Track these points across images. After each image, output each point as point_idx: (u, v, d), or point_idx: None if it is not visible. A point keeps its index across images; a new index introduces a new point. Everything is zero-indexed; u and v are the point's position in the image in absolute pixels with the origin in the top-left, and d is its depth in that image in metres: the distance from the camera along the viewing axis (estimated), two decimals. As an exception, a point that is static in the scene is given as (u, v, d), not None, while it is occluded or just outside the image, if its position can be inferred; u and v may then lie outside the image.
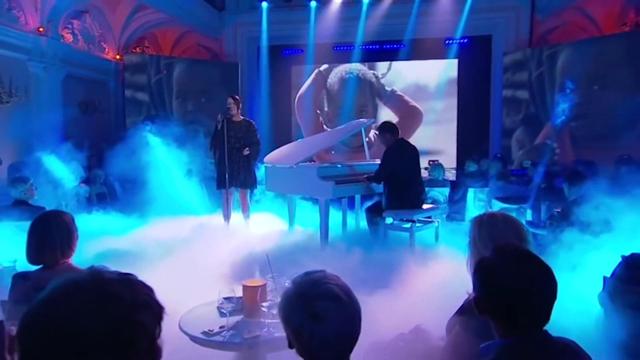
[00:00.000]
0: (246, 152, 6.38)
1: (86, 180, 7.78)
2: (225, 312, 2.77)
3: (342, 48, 11.58)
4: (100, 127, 9.95)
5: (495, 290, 1.50)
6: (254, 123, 6.71)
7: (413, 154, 5.70)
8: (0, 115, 7.44)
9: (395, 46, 11.32)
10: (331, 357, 1.37)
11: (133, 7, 10.07)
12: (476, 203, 6.84)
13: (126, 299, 0.96)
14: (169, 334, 2.73)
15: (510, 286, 1.47)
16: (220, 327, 2.71)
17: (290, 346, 1.45)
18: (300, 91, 12.17)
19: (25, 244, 2.57)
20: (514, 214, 5.71)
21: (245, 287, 2.87)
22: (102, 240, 5.34)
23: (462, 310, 2.09)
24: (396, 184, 5.48)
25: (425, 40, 11.06)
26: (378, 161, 5.95)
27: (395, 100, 11.69)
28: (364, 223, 6.12)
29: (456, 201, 7.00)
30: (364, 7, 10.79)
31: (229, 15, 11.73)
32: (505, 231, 2.10)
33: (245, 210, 6.75)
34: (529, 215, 5.89)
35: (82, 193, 7.17)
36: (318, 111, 12.08)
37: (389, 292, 3.59)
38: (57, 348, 0.90)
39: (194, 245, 5.23)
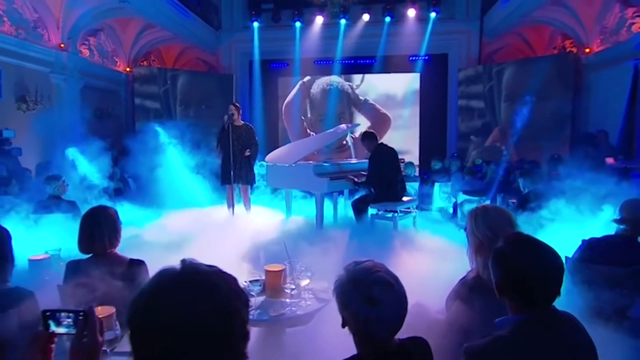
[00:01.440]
0: (247, 153, 6.35)
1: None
2: (253, 293, 2.72)
3: (322, 62, 11.57)
4: (112, 130, 9.80)
5: (511, 274, 1.49)
6: (253, 127, 6.66)
7: (393, 155, 5.73)
8: (28, 120, 7.33)
9: (368, 61, 11.37)
10: (384, 335, 1.35)
11: (142, 26, 9.92)
12: (441, 195, 6.93)
13: (223, 288, 0.95)
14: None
15: (524, 269, 1.46)
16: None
17: (344, 325, 1.41)
18: (287, 100, 12.10)
19: (77, 236, 2.52)
20: (474, 204, 5.95)
21: (268, 272, 2.78)
22: (127, 230, 5.28)
23: (461, 287, 2.05)
24: (381, 181, 5.47)
25: (393, 56, 11.12)
26: (362, 160, 5.98)
27: (368, 108, 11.73)
28: (352, 213, 5.99)
29: (425, 194, 7.06)
30: (342, 28, 10.81)
31: (224, 33, 11.62)
32: (499, 219, 2.07)
33: (247, 203, 6.71)
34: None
35: (110, 187, 6.91)
36: (302, 117, 12.02)
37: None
38: (167, 334, 0.88)
39: (208, 233, 5.12)
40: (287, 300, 2.66)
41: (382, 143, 5.83)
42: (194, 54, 12.00)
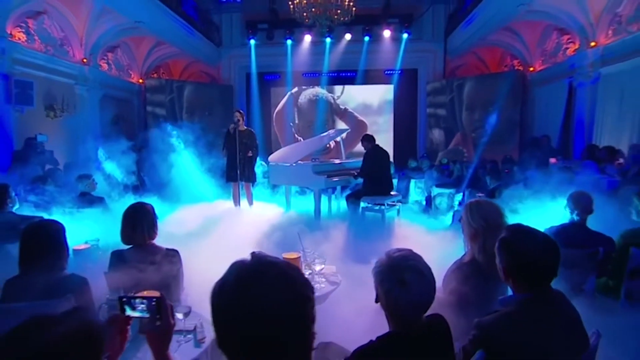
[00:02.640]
0: (250, 154, 6.30)
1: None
2: None
3: (310, 75, 11.52)
4: (127, 134, 9.62)
5: (517, 259, 1.47)
6: (254, 132, 6.61)
7: (385, 155, 5.75)
8: (56, 126, 7.24)
9: (350, 74, 11.34)
10: (412, 313, 1.34)
11: (153, 43, 9.80)
12: (416, 190, 6.97)
13: (297, 278, 0.93)
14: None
15: (529, 254, 1.44)
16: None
17: (376, 301, 1.41)
18: (278, 108, 11.99)
19: (120, 229, 2.48)
20: (446, 198, 6.07)
21: (286, 259, 2.53)
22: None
23: (458, 269, 2.02)
24: (373, 177, 5.47)
25: (372, 70, 11.13)
26: (355, 159, 5.94)
27: (348, 116, 11.69)
28: (344, 207, 6.05)
29: (402, 188, 7.09)
30: (327, 45, 10.81)
31: (225, 49, 11.50)
32: (490, 210, 2.05)
33: (250, 198, 6.68)
34: (459, 197, 5.92)
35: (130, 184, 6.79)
36: (291, 124, 11.92)
37: (377, 255, 3.43)
38: (254, 322, 0.84)
39: (221, 225, 5.13)
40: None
41: (377, 145, 5.81)
42: (198, 67, 11.85)
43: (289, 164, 5.83)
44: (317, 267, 2.67)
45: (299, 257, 2.71)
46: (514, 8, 7.64)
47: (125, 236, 2.48)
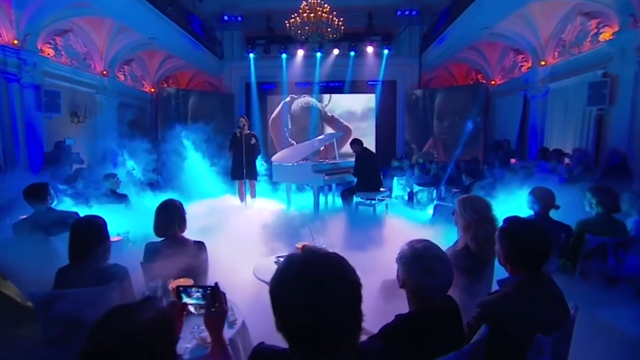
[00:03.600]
0: (253, 141, 6.17)
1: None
2: None
3: (302, 85, 11.48)
4: (141, 137, 9.47)
5: (516, 246, 1.48)
6: (256, 134, 6.56)
7: (373, 156, 5.73)
8: (79, 130, 7.15)
9: (337, 84, 11.33)
10: (438, 296, 1.34)
11: (164, 57, 9.69)
12: (398, 186, 7.01)
13: (349, 266, 0.92)
14: (249, 277, 2.70)
15: (528, 241, 1.45)
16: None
17: (402, 286, 1.38)
18: (273, 115, 11.90)
19: (153, 223, 2.44)
20: (426, 193, 6.18)
21: (298, 249, 2.51)
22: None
23: (452, 255, 1.88)
24: (365, 176, 5.46)
25: (357, 81, 11.11)
26: (347, 160, 5.92)
27: (334, 122, 11.65)
28: (338, 202, 6.01)
29: (386, 185, 7.02)
30: (318, 59, 10.80)
31: (226, 62, 11.38)
32: (481, 204, 2.07)
33: (253, 193, 6.62)
34: (434, 194, 5.98)
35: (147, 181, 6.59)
36: (285, 129, 11.83)
37: (372, 244, 3.41)
38: (319, 306, 0.83)
39: (231, 218, 5.00)
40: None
41: (366, 147, 5.77)
42: (203, 78, 11.72)
43: (290, 164, 5.79)
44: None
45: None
46: (478, 31, 7.84)
47: (159, 229, 2.43)
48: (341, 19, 7.62)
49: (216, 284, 1.35)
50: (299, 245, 2.68)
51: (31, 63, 5.94)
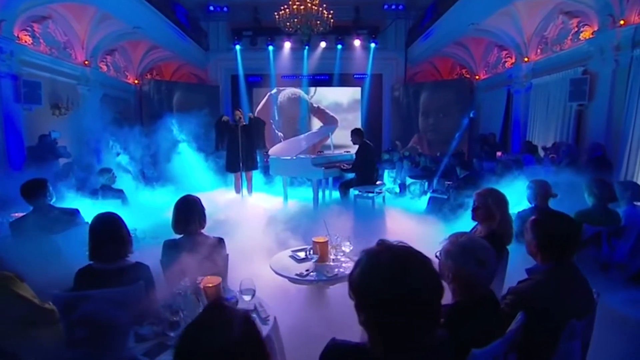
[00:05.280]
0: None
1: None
2: (305, 257, 2.55)
3: (289, 77, 11.36)
4: (126, 130, 9.14)
5: (549, 235, 1.53)
6: (263, 121, 6.43)
7: (372, 150, 5.61)
8: (62, 123, 6.78)
9: (324, 77, 11.28)
10: (487, 285, 1.36)
11: (148, 47, 9.29)
12: (389, 179, 7.09)
13: (422, 254, 0.94)
14: (265, 272, 2.70)
15: (560, 231, 1.52)
16: (306, 271, 2.53)
17: (450, 282, 1.37)
18: (259, 107, 11.70)
19: (172, 219, 2.39)
20: (418, 185, 6.31)
21: (316, 242, 2.64)
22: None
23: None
24: (363, 168, 5.40)
25: (343, 74, 11.07)
26: (344, 153, 5.91)
27: (320, 113, 11.63)
28: (335, 195, 5.98)
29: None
30: (305, 52, 10.71)
31: (212, 53, 11.08)
32: (500, 198, 2.19)
33: (250, 186, 6.51)
34: (425, 186, 6.10)
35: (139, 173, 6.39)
36: (271, 120, 11.63)
37: (371, 233, 3.50)
38: (414, 292, 0.86)
39: (232, 212, 4.93)
40: (331, 263, 2.52)
41: (366, 140, 5.60)
42: (187, 70, 11.37)
43: (289, 157, 5.71)
44: (347, 249, 2.64)
45: (327, 240, 2.66)
46: (464, 26, 8.01)
47: (179, 226, 2.38)
48: (331, 11, 7.58)
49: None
50: (318, 239, 2.64)
51: (7, 51, 5.56)
